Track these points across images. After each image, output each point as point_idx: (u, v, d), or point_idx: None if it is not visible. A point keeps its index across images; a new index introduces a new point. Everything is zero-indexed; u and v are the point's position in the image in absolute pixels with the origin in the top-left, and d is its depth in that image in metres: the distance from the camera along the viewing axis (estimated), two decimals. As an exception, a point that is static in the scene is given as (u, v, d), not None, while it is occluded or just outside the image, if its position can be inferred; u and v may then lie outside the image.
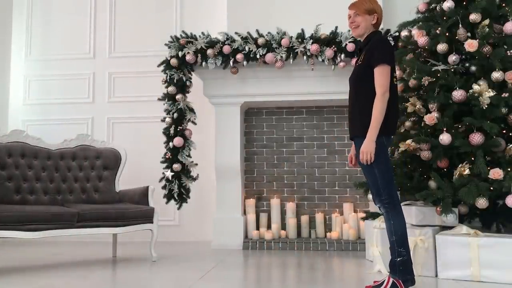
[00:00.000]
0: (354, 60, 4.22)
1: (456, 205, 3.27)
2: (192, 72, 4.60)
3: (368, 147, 2.53)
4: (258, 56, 4.35)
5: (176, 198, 4.40)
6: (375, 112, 2.53)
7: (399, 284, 2.57)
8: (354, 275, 3.31)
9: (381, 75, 2.55)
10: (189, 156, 4.44)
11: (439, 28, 3.50)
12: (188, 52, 4.41)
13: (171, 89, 4.43)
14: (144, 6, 5.38)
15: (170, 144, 4.39)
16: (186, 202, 4.48)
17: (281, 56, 4.32)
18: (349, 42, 4.23)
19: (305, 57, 4.31)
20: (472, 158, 3.22)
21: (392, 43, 4.13)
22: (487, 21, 3.37)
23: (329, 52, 4.24)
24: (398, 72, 3.85)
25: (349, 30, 4.28)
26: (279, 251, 4.41)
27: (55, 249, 4.49)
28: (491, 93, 3.21)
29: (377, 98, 2.54)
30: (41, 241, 4.68)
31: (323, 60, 4.29)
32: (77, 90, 5.39)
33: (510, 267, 2.89)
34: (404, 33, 3.87)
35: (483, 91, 3.23)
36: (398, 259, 2.59)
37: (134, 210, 3.75)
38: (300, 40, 4.33)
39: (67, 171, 4.07)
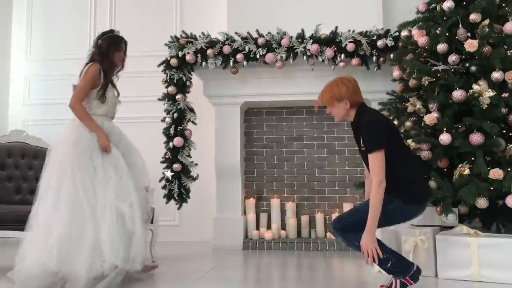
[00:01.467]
0: (354, 60, 4.24)
1: (456, 205, 3.27)
2: (192, 72, 4.60)
3: (368, 243, 2.41)
4: (258, 56, 4.35)
5: (176, 198, 4.40)
6: (372, 202, 2.41)
7: (407, 281, 2.54)
8: (354, 276, 3.32)
9: (375, 163, 2.44)
10: (189, 156, 4.44)
11: (439, 28, 3.50)
12: (188, 52, 4.41)
13: (171, 89, 4.43)
14: (144, 6, 5.38)
15: (170, 144, 4.38)
16: (186, 202, 4.48)
17: (281, 56, 4.32)
18: (349, 42, 4.23)
19: (305, 57, 4.31)
20: (472, 158, 3.22)
21: (392, 43, 4.13)
22: (487, 21, 3.37)
23: (329, 52, 4.24)
24: (398, 72, 3.85)
25: (349, 30, 4.29)
26: (279, 251, 4.41)
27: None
28: (491, 93, 3.21)
29: (374, 187, 2.42)
30: (41, 241, 4.67)
31: (323, 60, 4.29)
32: (77, 90, 5.38)
33: (510, 267, 2.89)
34: (404, 33, 3.87)
35: (483, 91, 3.23)
36: (388, 264, 2.51)
37: (134, 210, 3.74)
38: (300, 40, 4.32)
39: (67, 171, 4.07)
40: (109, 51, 3.16)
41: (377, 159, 2.44)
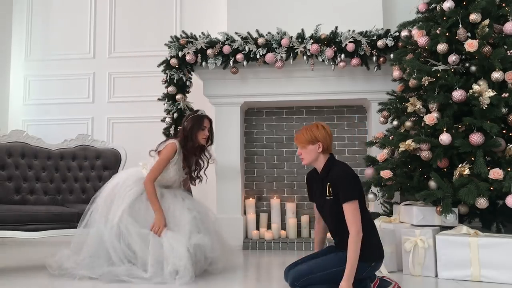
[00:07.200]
0: (354, 60, 4.23)
1: (456, 205, 3.27)
2: (192, 72, 4.60)
3: None
4: (258, 56, 4.35)
5: (176, 198, 4.39)
6: (350, 253, 2.40)
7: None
8: (354, 275, 3.31)
9: (350, 213, 2.42)
10: (189, 156, 4.43)
11: (439, 28, 3.50)
12: (188, 52, 4.41)
13: (171, 89, 4.43)
14: (144, 6, 5.38)
15: (170, 144, 4.38)
16: (186, 202, 4.47)
17: (281, 56, 4.32)
18: (349, 42, 4.23)
19: (305, 57, 4.31)
20: (472, 158, 3.22)
21: (392, 43, 4.13)
22: (487, 21, 3.37)
23: (329, 52, 4.24)
24: (398, 72, 3.85)
25: (349, 30, 4.29)
26: (279, 251, 4.41)
27: (55, 249, 4.47)
28: (491, 93, 3.21)
29: (351, 237, 2.40)
30: (41, 241, 4.67)
31: (323, 60, 4.28)
32: (77, 90, 5.39)
33: (510, 267, 2.89)
34: (404, 33, 3.87)
35: (483, 91, 3.23)
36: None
37: (134, 210, 3.74)
38: (300, 40, 4.32)
39: (67, 171, 4.07)
40: (192, 132, 3.32)
41: (352, 209, 2.42)
